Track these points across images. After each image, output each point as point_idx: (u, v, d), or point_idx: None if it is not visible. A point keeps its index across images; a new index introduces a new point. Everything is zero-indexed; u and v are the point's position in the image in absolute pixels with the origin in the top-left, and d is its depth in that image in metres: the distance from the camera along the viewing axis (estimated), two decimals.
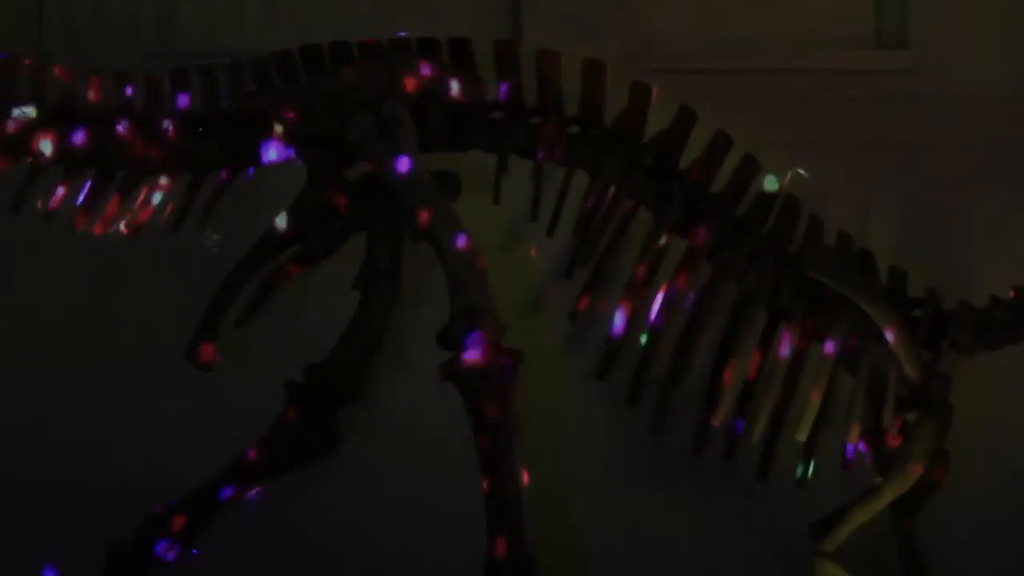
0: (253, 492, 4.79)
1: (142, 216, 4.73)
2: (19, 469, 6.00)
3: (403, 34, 4.68)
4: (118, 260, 5.88)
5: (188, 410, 5.95)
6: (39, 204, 4.67)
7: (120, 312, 6.10)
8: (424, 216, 4.45)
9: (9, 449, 6.02)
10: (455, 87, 4.67)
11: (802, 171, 4.74)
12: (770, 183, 4.70)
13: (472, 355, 4.35)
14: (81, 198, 4.72)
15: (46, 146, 4.68)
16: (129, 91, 4.74)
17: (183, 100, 4.73)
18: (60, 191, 4.72)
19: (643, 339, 4.68)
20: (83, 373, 6.09)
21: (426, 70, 4.65)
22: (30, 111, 4.64)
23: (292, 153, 4.65)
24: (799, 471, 4.73)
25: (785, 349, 4.74)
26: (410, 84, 4.63)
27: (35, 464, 6.02)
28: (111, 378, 6.09)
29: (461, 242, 4.41)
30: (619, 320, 4.66)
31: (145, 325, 6.00)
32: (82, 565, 4.84)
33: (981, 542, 6.08)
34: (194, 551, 4.69)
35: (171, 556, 4.68)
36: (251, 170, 4.73)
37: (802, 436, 4.73)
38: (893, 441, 4.72)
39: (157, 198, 4.72)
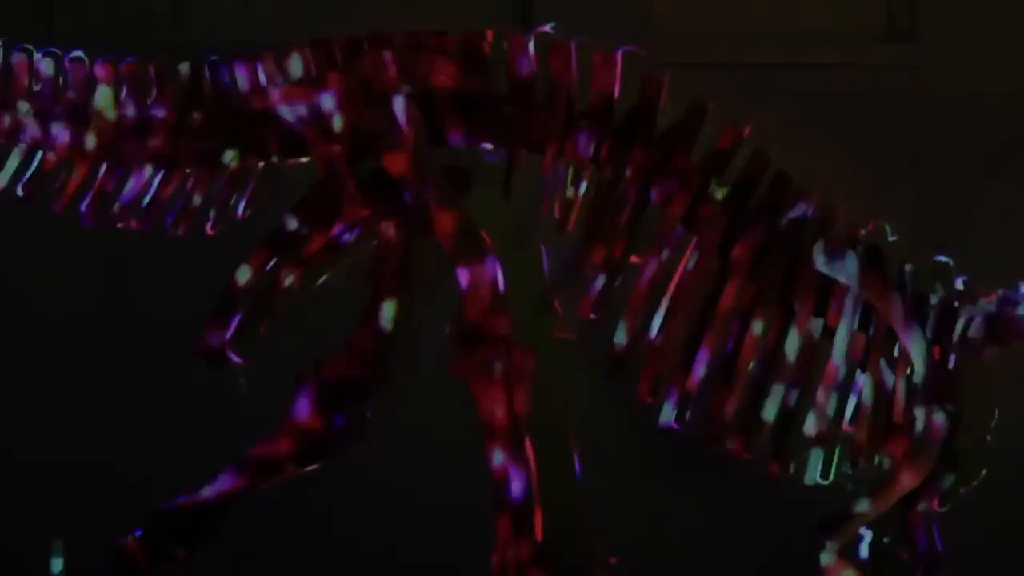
0: (262, 488, 4.79)
1: (153, 211, 4.75)
2: (25, 468, 6.02)
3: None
4: (127, 256, 5.90)
5: (197, 406, 5.97)
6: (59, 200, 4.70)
7: (129, 309, 6.11)
8: (435, 212, 4.46)
9: (15, 448, 6.03)
10: (465, 81, 4.66)
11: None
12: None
13: (482, 351, 4.35)
14: (92, 193, 4.74)
15: (61, 139, 4.70)
16: (139, 86, 4.76)
17: (193, 95, 4.74)
18: (71, 186, 4.75)
19: (653, 334, 4.68)
20: (90, 371, 6.10)
21: (436, 65, 4.65)
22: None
23: (304, 149, 4.67)
24: (810, 466, 4.73)
25: (795, 344, 4.74)
26: (420, 79, 4.64)
27: (42, 461, 6.03)
28: (119, 376, 6.10)
29: (472, 238, 4.41)
30: (628, 315, 4.66)
31: (154, 321, 6.01)
32: (87, 563, 4.85)
33: (984, 540, 6.08)
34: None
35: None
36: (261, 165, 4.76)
37: (811, 432, 4.72)
38: (902, 438, 4.72)
39: (167, 194, 4.74)
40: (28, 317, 6.18)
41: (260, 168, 4.77)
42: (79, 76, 4.79)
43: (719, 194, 4.72)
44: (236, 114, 4.72)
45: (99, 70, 4.78)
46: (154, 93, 4.77)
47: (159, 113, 4.74)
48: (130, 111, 4.76)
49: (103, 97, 4.76)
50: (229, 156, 4.73)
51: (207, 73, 4.75)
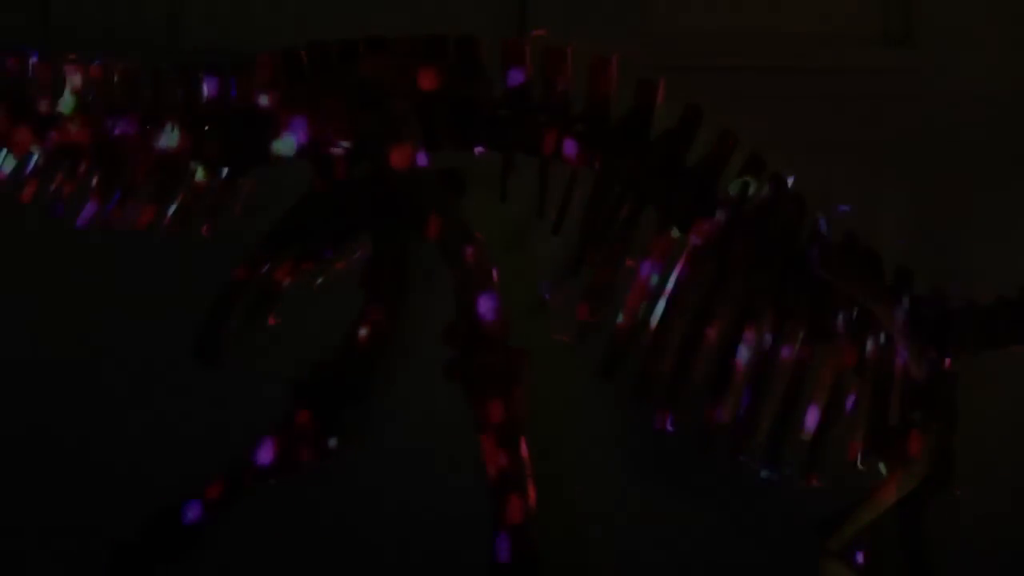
0: (256, 490, 4.79)
1: (149, 213, 4.75)
2: (26, 469, 6.01)
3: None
4: (124, 257, 5.90)
5: (193, 408, 5.97)
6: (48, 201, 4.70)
7: (126, 310, 6.11)
8: (430, 217, 4.46)
9: (15, 448, 6.03)
10: (461, 85, 4.67)
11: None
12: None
13: (477, 354, 4.35)
14: (85, 195, 4.74)
15: (57, 141, 4.70)
16: (135, 88, 4.76)
17: (189, 97, 4.74)
18: (65, 189, 4.74)
19: (649, 337, 4.68)
20: (88, 371, 6.10)
21: (432, 68, 4.65)
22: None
23: (300, 151, 4.67)
24: (806, 469, 4.74)
25: (791, 348, 4.74)
26: (416, 82, 4.64)
27: (40, 464, 6.03)
28: (116, 376, 6.09)
29: (467, 242, 4.42)
30: (624, 318, 4.67)
31: (151, 323, 6.01)
32: (87, 564, 4.85)
33: (984, 541, 6.07)
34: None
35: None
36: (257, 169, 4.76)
37: (808, 434, 4.72)
38: (899, 440, 4.72)
39: (167, 194, 4.74)
40: (24, 316, 6.18)
41: (254, 171, 4.78)
42: (74, 78, 4.78)
43: (715, 198, 4.73)
44: (232, 117, 4.72)
45: (94, 72, 4.77)
46: (149, 96, 4.77)
47: (153, 116, 4.74)
48: (124, 114, 4.75)
49: (97, 99, 4.75)
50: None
51: (202, 76, 4.74)
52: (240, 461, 4.73)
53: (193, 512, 4.67)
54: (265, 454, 4.70)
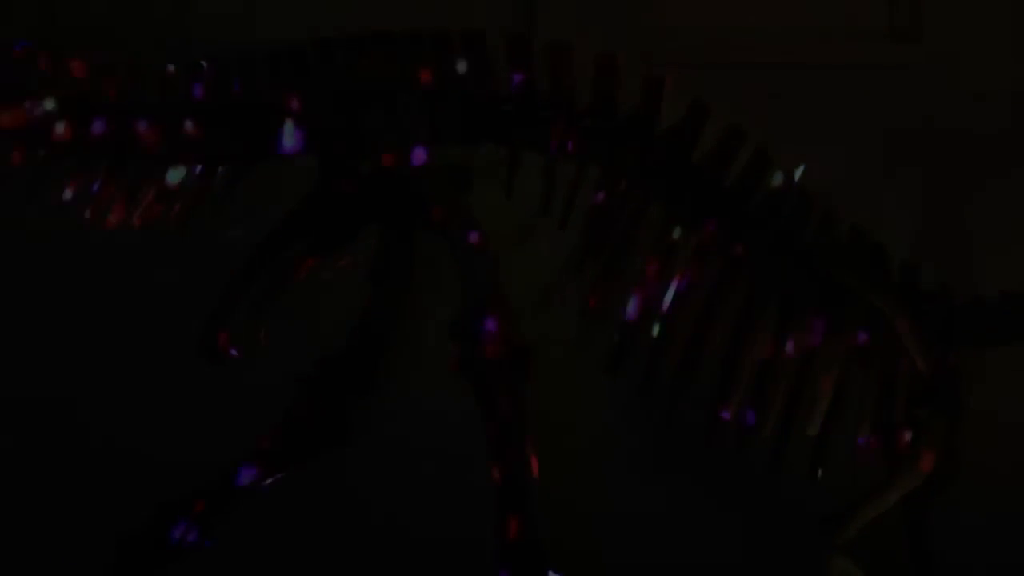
0: (264, 484, 4.80)
1: (154, 209, 4.75)
2: (29, 464, 6.03)
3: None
4: (128, 254, 5.90)
5: (198, 403, 5.97)
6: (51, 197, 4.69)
7: (130, 306, 6.12)
8: (436, 210, 4.47)
9: (18, 445, 6.04)
10: (467, 81, 4.67)
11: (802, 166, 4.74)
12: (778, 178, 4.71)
13: (483, 348, 4.36)
14: (93, 191, 4.74)
15: (61, 137, 4.70)
16: (142, 83, 4.76)
17: (196, 92, 4.74)
18: (71, 184, 4.74)
19: (654, 333, 4.69)
20: (91, 368, 6.10)
21: (438, 64, 4.66)
22: (50, 103, 4.65)
23: (305, 146, 4.67)
24: (811, 465, 4.74)
25: (797, 343, 4.74)
26: (423, 77, 4.64)
27: (45, 459, 6.04)
28: (120, 373, 6.10)
29: (473, 237, 4.43)
30: (630, 314, 4.67)
31: (156, 319, 6.02)
32: (91, 559, 4.86)
33: (986, 540, 6.08)
34: (207, 542, 4.70)
35: (191, 538, 4.68)
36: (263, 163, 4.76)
37: (813, 430, 4.73)
38: (904, 436, 4.72)
39: (169, 191, 4.74)
40: (26, 315, 6.18)
41: (258, 167, 4.79)
42: (78, 72, 4.79)
43: (720, 194, 4.73)
44: (236, 113, 4.73)
45: (97, 67, 4.78)
46: (152, 92, 4.77)
47: (157, 112, 4.75)
48: (127, 110, 4.75)
49: (100, 94, 4.76)
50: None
51: (206, 72, 4.75)
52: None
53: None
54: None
